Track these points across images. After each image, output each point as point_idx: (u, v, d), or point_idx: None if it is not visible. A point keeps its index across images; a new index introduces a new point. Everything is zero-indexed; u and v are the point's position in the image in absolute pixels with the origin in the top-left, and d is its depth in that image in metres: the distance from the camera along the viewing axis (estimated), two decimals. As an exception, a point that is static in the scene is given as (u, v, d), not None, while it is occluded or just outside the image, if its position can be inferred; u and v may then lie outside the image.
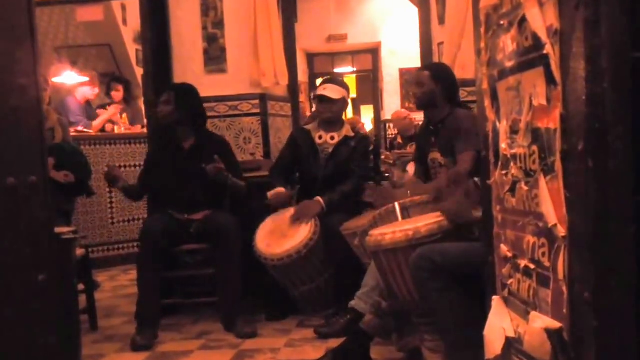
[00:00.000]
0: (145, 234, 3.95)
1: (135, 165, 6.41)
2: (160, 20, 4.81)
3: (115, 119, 7.11)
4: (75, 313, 2.51)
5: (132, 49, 8.64)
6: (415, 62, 7.64)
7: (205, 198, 4.12)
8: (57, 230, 2.31)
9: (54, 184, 4.42)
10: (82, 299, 3.82)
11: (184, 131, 4.17)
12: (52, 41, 8.33)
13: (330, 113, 4.29)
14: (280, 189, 4.22)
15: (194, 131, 4.19)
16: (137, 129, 6.97)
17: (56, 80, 7.24)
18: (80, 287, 3.83)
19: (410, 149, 6.66)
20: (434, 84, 3.67)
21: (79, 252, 3.75)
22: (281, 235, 3.96)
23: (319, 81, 11.01)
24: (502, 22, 1.55)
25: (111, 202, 6.39)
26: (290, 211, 4.09)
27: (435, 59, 6.24)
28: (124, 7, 8.24)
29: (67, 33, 8.33)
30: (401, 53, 10.86)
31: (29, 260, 1.51)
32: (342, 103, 4.35)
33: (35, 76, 1.51)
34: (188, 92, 4.24)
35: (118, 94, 7.34)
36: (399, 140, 7.87)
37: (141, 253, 3.96)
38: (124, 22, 8.39)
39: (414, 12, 7.68)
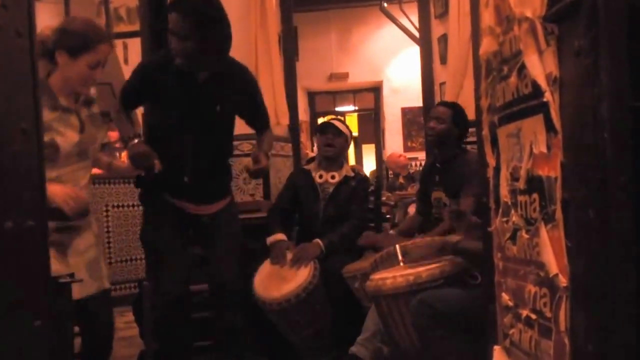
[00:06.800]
0: (165, 304, 3.29)
1: (134, 205, 6.38)
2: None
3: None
4: (70, 358, 2.49)
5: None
6: (417, 101, 7.68)
7: (217, 159, 3.43)
8: (54, 274, 2.29)
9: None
10: (77, 341, 3.75)
11: (200, 62, 3.19)
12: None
13: (333, 146, 4.28)
14: (280, 236, 4.08)
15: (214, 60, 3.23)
16: None
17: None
18: (76, 329, 3.76)
19: (412, 189, 6.66)
20: (453, 124, 3.68)
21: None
22: (280, 279, 3.89)
23: (320, 120, 11.11)
24: (501, 69, 1.55)
25: (109, 242, 6.34)
26: (289, 254, 4.03)
27: (437, 99, 6.28)
28: (125, 46, 8.29)
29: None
30: (403, 92, 10.91)
31: (25, 306, 1.49)
32: (345, 140, 4.36)
33: (37, 120, 1.50)
34: (207, 12, 3.07)
35: (115, 132, 7.33)
36: (401, 180, 7.87)
37: (162, 324, 3.36)
38: (125, 61, 8.42)
39: (415, 51, 7.74)
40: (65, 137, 2.77)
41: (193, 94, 3.23)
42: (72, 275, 2.16)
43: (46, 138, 2.60)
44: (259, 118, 3.64)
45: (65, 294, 2.18)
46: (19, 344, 1.48)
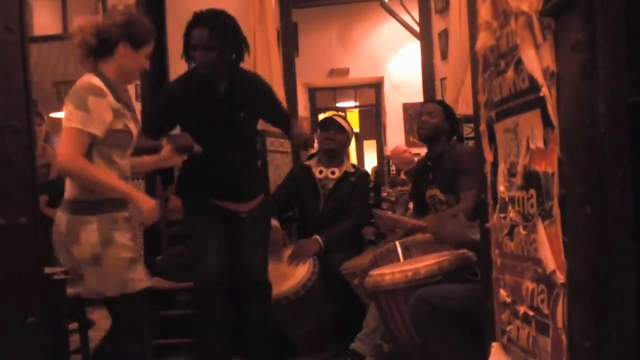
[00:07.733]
0: (209, 280, 3.37)
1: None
2: (158, 55, 4.83)
3: None
4: (65, 355, 2.48)
5: (132, 85, 8.64)
6: (418, 97, 7.65)
7: (246, 161, 3.60)
8: (48, 270, 2.28)
9: (47, 221, 4.36)
10: (76, 338, 3.73)
11: (221, 73, 3.43)
12: (52, 76, 8.29)
13: (334, 141, 4.28)
14: (273, 223, 4.01)
15: (230, 70, 3.46)
16: None
17: (54, 115, 7.27)
18: (74, 325, 3.74)
19: (413, 185, 6.63)
20: (444, 118, 3.69)
21: (72, 290, 3.68)
22: (279, 276, 3.86)
23: (321, 116, 11.07)
24: (498, 63, 1.54)
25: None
26: (288, 251, 4.03)
27: (438, 94, 6.27)
28: (124, 43, 8.27)
29: (67, 68, 8.31)
30: (404, 88, 10.86)
31: (18, 303, 1.48)
32: (347, 137, 4.36)
33: (29, 118, 1.49)
34: (228, 24, 3.41)
35: None
36: (402, 176, 7.83)
37: (206, 315, 3.42)
38: (124, 57, 8.40)
39: (416, 46, 7.72)
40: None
41: (218, 104, 3.43)
42: (66, 272, 2.15)
43: (120, 125, 2.70)
44: (282, 114, 3.79)
45: (60, 290, 2.17)
46: (12, 341, 1.47)
